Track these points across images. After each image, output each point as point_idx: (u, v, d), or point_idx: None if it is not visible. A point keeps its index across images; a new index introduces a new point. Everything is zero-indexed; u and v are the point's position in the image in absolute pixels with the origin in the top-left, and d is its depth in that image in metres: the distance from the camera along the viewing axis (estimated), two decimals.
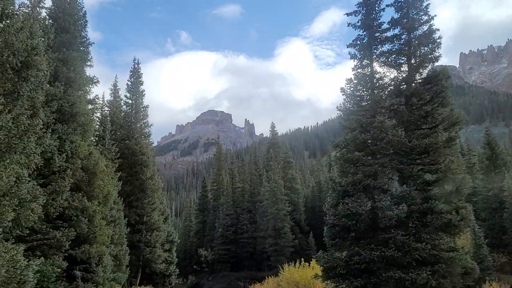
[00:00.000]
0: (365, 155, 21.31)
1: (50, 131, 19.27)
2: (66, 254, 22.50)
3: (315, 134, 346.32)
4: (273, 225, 63.57)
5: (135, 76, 40.16)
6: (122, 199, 37.30)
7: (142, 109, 39.77)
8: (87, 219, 23.96)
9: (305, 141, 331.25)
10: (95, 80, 25.38)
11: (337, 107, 23.73)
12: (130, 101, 39.74)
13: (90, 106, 26.44)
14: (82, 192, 24.47)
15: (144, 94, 40.57)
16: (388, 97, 23.08)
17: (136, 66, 40.36)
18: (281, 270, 30.46)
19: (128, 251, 30.34)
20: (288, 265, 29.04)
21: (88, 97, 26.63)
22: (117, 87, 40.99)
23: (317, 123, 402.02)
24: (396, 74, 23.19)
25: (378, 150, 20.93)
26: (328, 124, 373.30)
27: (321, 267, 20.24)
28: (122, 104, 40.38)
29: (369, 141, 21.19)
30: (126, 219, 31.49)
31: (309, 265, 27.92)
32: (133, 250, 35.69)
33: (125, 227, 30.53)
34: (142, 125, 39.48)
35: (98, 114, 36.09)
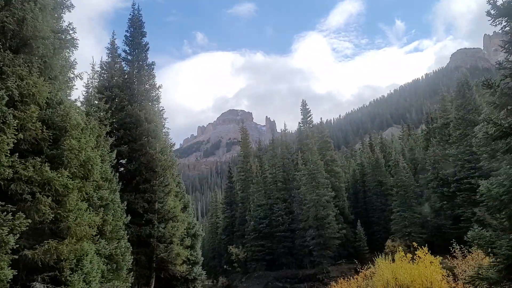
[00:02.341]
0: None
1: None
2: (16, 257, 13.50)
3: (338, 127, 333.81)
4: (314, 214, 53.81)
5: (135, 26, 30.94)
6: (125, 181, 28.29)
7: (146, 67, 30.60)
8: (51, 198, 14.86)
9: (328, 134, 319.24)
10: None
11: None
12: (129, 57, 30.63)
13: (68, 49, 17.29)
14: (43, 156, 15.40)
15: (148, 48, 31.29)
16: None
17: (136, 13, 31.23)
18: (370, 264, 21.66)
19: (131, 249, 21.15)
20: (382, 257, 19.20)
21: (58, 24, 17.41)
22: (116, 46, 31.97)
23: (340, 116, 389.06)
24: None
25: None
26: (351, 116, 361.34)
27: (493, 257, 10.47)
28: (123, 65, 31.33)
29: None
30: (125, 202, 22.32)
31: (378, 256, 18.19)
32: (142, 248, 26.58)
33: (124, 214, 21.38)
34: (148, 87, 30.33)
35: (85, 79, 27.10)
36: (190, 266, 29.44)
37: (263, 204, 61.87)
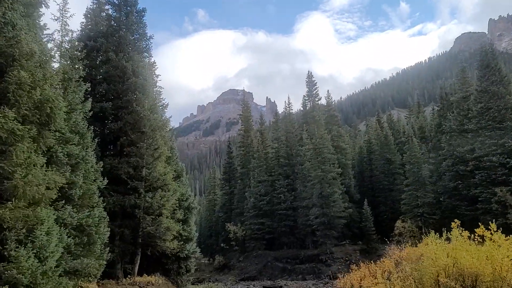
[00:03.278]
0: None
1: None
2: None
3: (340, 109, 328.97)
4: (318, 191, 50.22)
5: None
6: (108, 144, 24.51)
7: (135, 14, 26.38)
8: None
9: (335, 108, 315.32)
10: None
11: None
12: (116, 1, 26.33)
13: None
14: None
15: None
16: None
17: None
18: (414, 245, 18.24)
19: (107, 220, 17.44)
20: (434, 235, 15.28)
21: None
22: None
23: (341, 98, 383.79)
24: None
25: None
26: (352, 98, 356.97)
27: None
28: (110, 10, 27.07)
29: None
30: (100, 163, 18.51)
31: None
32: (126, 220, 22.95)
33: (100, 177, 17.60)
34: (137, 36, 26.19)
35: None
36: (182, 242, 25.89)
37: (264, 180, 58.24)
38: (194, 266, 29.23)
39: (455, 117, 46.89)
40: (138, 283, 22.36)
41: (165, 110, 26.40)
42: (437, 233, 34.14)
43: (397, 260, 21.39)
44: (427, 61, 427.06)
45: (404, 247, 27.70)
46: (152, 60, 26.70)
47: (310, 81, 65.72)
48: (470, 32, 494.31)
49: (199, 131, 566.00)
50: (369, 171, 63.38)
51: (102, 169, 18.07)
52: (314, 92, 64.87)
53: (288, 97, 66.22)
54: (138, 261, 23.33)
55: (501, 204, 39.45)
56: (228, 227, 59.60)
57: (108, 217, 17.60)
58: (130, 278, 22.65)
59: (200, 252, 31.59)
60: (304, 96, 66.07)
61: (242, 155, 68.46)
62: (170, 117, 26.48)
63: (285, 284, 43.12)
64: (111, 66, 24.22)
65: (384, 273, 17.24)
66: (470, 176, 43.28)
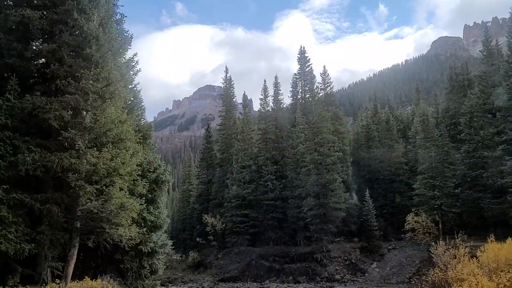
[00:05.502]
0: None
1: None
2: None
3: None
4: (315, 178, 42.52)
5: None
6: (33, 74, 15.98)
7: None
8: None
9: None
10: None
11: None
12: None
13: None
14: None
15: None
16: None
17: None
18: None
19: None
20: None
21: None
22: None
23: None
24: None
25: None
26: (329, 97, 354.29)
27: None
28: None
29: None
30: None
31: None
32: (55, 192, 14.52)
33: None
34: None
35: None
36: (146, 230, 17.49)
37: (249, 165, 50.16)
38: (164, 264, 20.85)
39: (479, 94, 40.10)
40: None
41: (124, 24, 17.79)
42: (462, 231, 26.30)
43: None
44: (403, 63, 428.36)
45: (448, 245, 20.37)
46: None
47: (303, 57, 57.94)
48: (446, 36, 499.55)
49: (174, 126, 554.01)
50: (366, 160, 56.16)
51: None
52: (307, 69, 57.12)
53: (276, 77, 58.05)
54: (75, 257, 14.90)
55: None
56: (206, 219, 51.30)
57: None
58: (60, 283, 14.21)
59: (172, 247, 23.18)
60: (294, 74, 58.28)
61: (223, 137, 60.07)
62: (131, 36, 17.77)
63: None
64: None
65: None
66: (496, 164, 36.56)
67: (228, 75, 63.62)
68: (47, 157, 13.73)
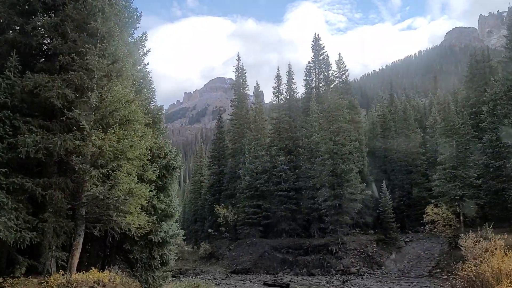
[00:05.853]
0: None
1: None
2: None
3: None
4: (330, 168, 41.26)
5: None
6: (39, 54, 15.04)
7: None
8: None
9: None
10: None
11: None
12: None
13: None
14: None
15: None
16: None
17: None
18: None
19: None
20: None
21: None
22: None
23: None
24: None
25: None
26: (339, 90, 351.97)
27: None
28: None
29: None
30: None
31: None
32: (58, 177, 13.56)
33: None
34: None
35: None
36: (156, 219, 16.44)
37: (262, 155, 49.01)
38: (175, 255, 19.84)
39: (502, 82, 38.27)
40: (77, 284, 13.02)
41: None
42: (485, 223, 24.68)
43: None
44: (417, 55, 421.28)
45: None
46: None
47: (317, 45, 56.36)
48: (461, 27, 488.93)
49: (185, 118, 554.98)
50: (382, 150, 54.63)
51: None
52: (322, 57, 55.54)
53: (289, 65, 56.54)
54: (80, 246, 13.91)
55: None
56: (217, 209, 50.40)
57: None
58: (64, 274, 13.28)
59: (183, 237, 22.15)
60: (308, 62, 56.73)
61: (235, 127, 58.96)
62: (140, 14, 16.49)
63: (290, 281, 34.16)
64: None
65: None
66: None
67: (240, 63, 62.33)
68: (49, 138, 12.70)
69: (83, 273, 14.00)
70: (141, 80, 17.55)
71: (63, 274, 13.16)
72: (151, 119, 17.65)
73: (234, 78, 65.58)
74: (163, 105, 19.04)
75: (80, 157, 12.82)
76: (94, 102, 13.66)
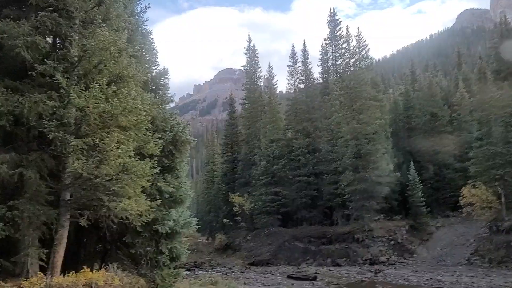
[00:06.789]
0: None
1: None
2: None
3: None
4: (353, 150, 37.95)
5: None
6: None
7: None
8: None
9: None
10: None
11: None
12: None
13: None
14: None
15: None
16: None
17: None
18: None
19: None
20: None
21: None
22: None
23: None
24: None
25: None
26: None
27: None
28: None
29: None
30: None
31: None
32: (33, 152, 10.49)
33: None
34: None
35: None
36: (163, 205, 13.36)
37: (279, 139, 45.77)
38: (188, 249, 16.76)
39: None
40: None
41: None
42: None
43: None
44: (428, 38, 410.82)
45: None
46: None
47: (333, 20, 52.51)
48: (472, 8, 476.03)
49: (196, 111, 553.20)
50: (406, 130, 50.96)
51: None
52: (338, 34, 51.73)
53: (304, 43, 52.91)
54: (64, 241, 10.88)
55: None
56: (232, 198, 47.46)
57: None
58: (45, 276, 10.31)
59: (197, 227, 19.01)
60: (324, 39, 52.95)
61: (248, 112, 55.72)
62: None
63: (316, 272, 31.10)
64: None
65: None
66: None
67: (251, 44, 58.72)
68: (14, 100, 9.62)
69: (72, 274, 11.04)
70: (139, 37, 14.34)
71: (41, 277, 10.18)
72: (153, 86, 14.51)
73: (242, 68, 62.29)
74: (167, 69, 15.77)
75: (57, 122, 9.72)
76: (75, 54, 10.53)
